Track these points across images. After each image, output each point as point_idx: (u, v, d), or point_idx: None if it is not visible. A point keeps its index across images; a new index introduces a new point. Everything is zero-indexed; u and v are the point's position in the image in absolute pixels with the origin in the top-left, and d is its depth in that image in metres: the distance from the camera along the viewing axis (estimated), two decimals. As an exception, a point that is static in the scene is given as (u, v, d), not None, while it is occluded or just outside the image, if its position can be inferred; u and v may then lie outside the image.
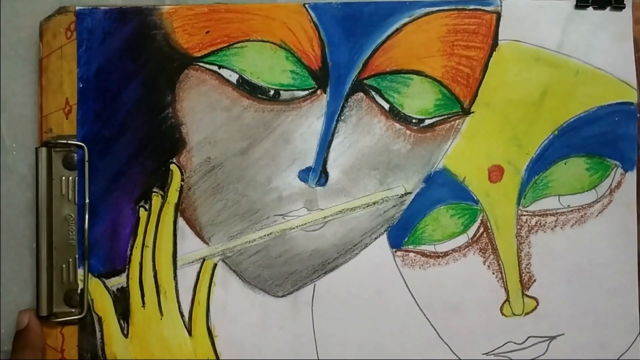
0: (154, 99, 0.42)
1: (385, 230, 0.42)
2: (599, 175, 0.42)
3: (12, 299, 0.43)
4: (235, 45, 0.42)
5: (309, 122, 0.42)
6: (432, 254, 0.42)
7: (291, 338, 0.41)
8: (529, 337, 0.41)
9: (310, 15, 0.41)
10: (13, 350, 0.40)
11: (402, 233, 0.42)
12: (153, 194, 0.42)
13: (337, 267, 0.42)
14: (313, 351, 0.41)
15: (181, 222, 0.42)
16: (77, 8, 0.42)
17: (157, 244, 0.42)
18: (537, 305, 0.41)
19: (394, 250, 0.42)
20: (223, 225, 0.42)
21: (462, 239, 0.42)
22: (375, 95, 0.42)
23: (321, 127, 0.42)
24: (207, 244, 0.42)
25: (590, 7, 0.42)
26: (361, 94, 0.42)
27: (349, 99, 0.42)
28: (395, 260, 0.42)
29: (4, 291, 0.43)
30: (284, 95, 0.42)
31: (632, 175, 0.42)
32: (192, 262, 0.42)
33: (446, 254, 0.42)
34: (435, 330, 0.41)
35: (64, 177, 0.42)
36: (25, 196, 0.43)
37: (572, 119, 0.41)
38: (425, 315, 0.41)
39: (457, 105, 0.41)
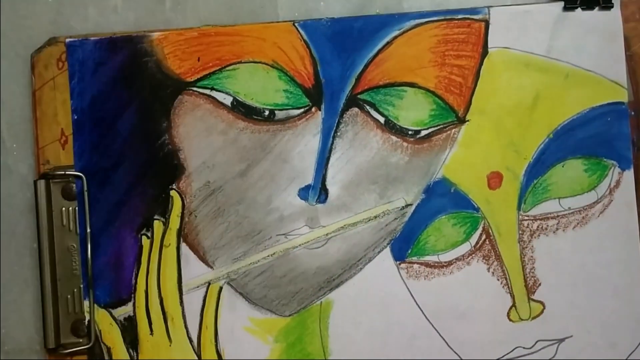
0: (149, 126, 0.42)
1: (388, 244, 0.42)
2: (597, 175, 0.42)
3: (12, 299, 0.43)
4: (227, 68, 0.42)
5: (305, 140, 0.42)
6: (436, 264, 0.42)
7: (301, 356, 0.41)
8: (537, 341, 0.41)
9: (300, 33, 0.42)
10: None
11: (405, 245, 0.42)
12: (155, 221, 0.42)
13: (343, 283, 0.42)
14: (324, 368, 0.42)
15: (184, 247, 0.42)
16: (67, 40, 0.42)
17: (161, 271, 0.42)
18: (544, 308, 0.42)
19: (397, 262, 0.42)
20: (226, 248, 0.42)
21: (465, 248, 0.42)
22: (369, 110, 0.42)
23: (318, 145, 0.42)
24: (211, 267, 0.42)
25: (579, 8, 0.42)
26: (356, 109, 0.42)
27: (344, 115, 0.42)
28: (399, 273, 0.42)
29: (4, 291, 0.43)
30: (279, 114, 0.42)
31: (629, 174, 0.42)
32: (198, 286, 0.42)
33: (450, 263, 0.42)
34: (443, 339, 0.41)
35: (64, 208, 0.42)
36: (25, 196, 0.43)
37: (566, 122, 0.42)
38: (432, 325, 0.41)
39: (452, 114, 0.42)
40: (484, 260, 0.42)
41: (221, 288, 0.42)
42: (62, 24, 0.43)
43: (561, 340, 0.41)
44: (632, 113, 0.42)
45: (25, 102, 0.43)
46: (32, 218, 0.42)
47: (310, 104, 0.42)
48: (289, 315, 0.42)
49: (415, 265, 0.42)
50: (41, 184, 0.41)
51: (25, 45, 0.43)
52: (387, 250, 0.42)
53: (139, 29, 0.43)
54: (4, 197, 0.43)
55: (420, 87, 0.42)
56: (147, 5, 0.43)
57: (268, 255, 0.42)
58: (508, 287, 0.42)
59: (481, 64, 0.41)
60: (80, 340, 0.41)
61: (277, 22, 0.42)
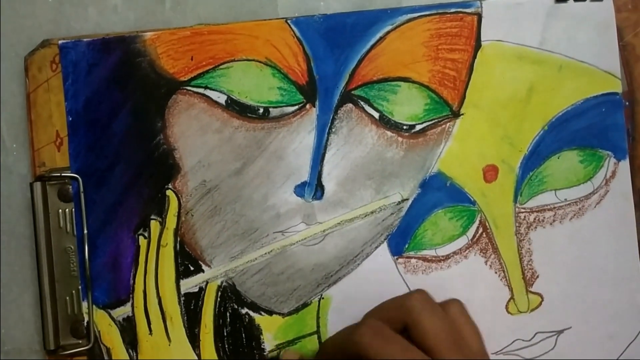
0: (144, 126, 0.42)
1: (385, 239, 0.42)
2: (593, 166, 0.42)
3: (12, 299, 0.43)
4: (221, 67, 0.42)
5: (300, 137, 0.42)
6: (433, 258, 0.42)
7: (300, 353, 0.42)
8: (536, 333, 0.41)
9: (293, 30, 0.42)
10: None
11: (402, 240, 0.42)
12: (151, 221, 0.42)
13: (341, 279, 0.42)
14: (323, 365, 0.41)
15: (181, 246, 0.42)
16: (60, 42, 0.42)
17: (159, 271, 0.42)
18: (542, 300, 0.42)
19: (395, 257, 0.42)
20: (223, 246, 0.42)
21: (462, 241, 0.42)
22: (364, 105, 0.42)
23: (313, 141, 0.42)
24: (209, 266, 0.42)
25: (571, 0, 0.42)
26: (350, 105, 0.42)
27: (339, 111, 0.42)
28: (397, 268, 0.42)
29: (4, 291, 0.43)
30: (274, 112, 0.42)
31: (625, 164, 0.42)
32: (196, 285, 0.42)
33: (447, 257, 0.42)
34: (442, 333, 0.41)
35: (60, 210, 0.42)
36: (25, 197, 0.43)
37: (560, 113, 0.42)
38: (431, 319, 0.41)
39: (446, 108, 0.42)
40: (482, 254, 0.42)
41: (219, 287, 0.42)
42: (62, 24, 0.43)
43: (560, 332, 0.41)
44: (627, 103, 0.42)
45: (25, 103, 0.43)
46: (32, 219, 0.42)
47: (304, 100, 0.42)
48: (288, 313, 0.42)
49: (413, 260, 0.42)
50: (37, 186, 0.41)
51: (25, 45, 0.43)
52: (385, 245, 0.42)
53: (139, 29, 0.42)
54: (3, 198, 0.43)
55: (414, 82, 0.41)
56: (147, 5, 0.43)
57: (265, 253, 0.42)
58: (506, 279, 0.42)
59: (474, 57, 0.41)
60: (80, 341, 0.41)
61: (270, 19, 0.42)
